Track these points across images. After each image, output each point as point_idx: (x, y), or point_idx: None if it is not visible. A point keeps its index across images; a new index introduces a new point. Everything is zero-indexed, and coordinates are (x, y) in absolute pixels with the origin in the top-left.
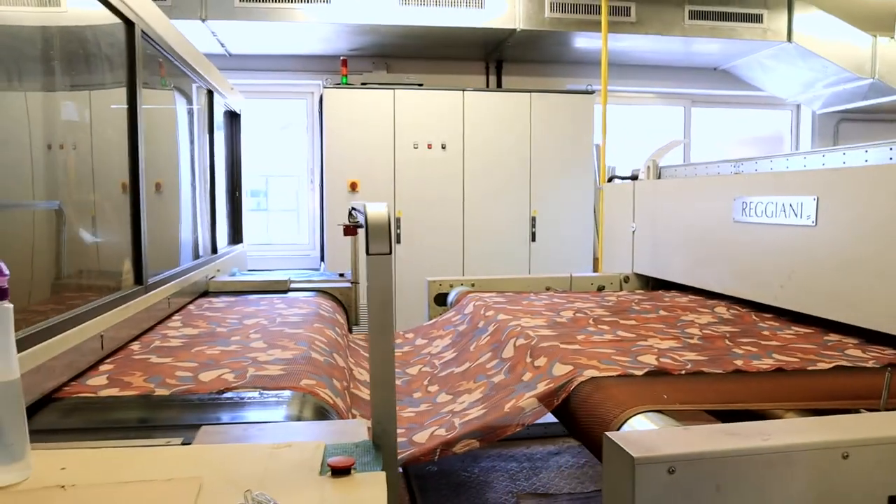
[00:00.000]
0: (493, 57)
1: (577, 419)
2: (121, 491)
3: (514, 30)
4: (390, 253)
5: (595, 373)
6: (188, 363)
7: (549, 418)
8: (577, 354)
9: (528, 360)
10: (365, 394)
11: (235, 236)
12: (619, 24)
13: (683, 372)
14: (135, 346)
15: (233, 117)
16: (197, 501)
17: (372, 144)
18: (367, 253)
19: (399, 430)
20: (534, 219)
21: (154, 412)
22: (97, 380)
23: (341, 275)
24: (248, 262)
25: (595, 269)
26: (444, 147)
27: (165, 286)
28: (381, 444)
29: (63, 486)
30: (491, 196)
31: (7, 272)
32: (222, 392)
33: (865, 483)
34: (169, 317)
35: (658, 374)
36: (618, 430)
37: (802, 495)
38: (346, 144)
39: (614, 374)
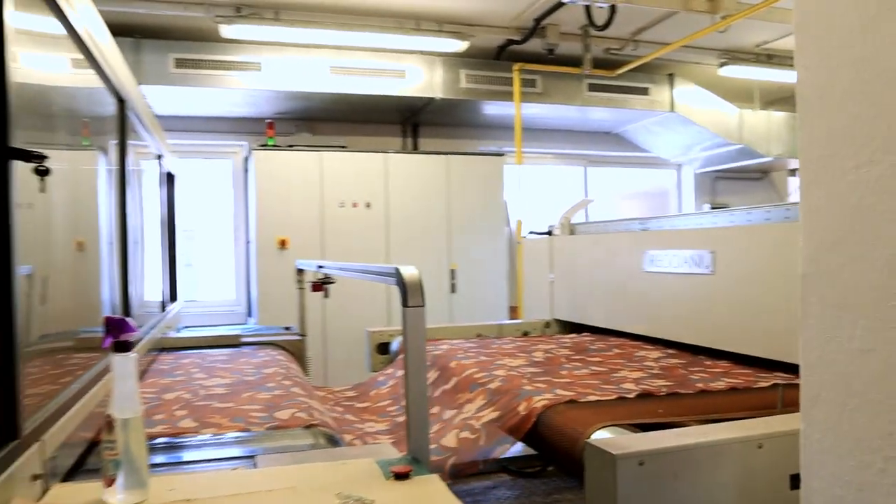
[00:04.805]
0: (410, 121)
1: (548, 436)
2: (236, 500)
3: (433, 98)
4: (424, 305)
5: (594, 397)
6: (253, 406)
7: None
8: (571, 385)
9: (525, 380)
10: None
11: (172, 293)
12: (528, 95)
13: (664, 392)
14: (184, 395)
15: (169, 178)
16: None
17: (300, 203)
18: (406, 306)
19: None
20: (453, 271)
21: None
22: (186, 423)
23: (286, 328)
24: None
25: (510, 317)
26: (368, 206)
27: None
28: (420, 458)
29: (189, 500)
30: (413, 251)
31: (135, 328)
32: (308, 427)
33: (775, 465)
34: (145, 372)
35: (627, 397)
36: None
37: (732, 477)
38: (276, 203)
39: (613, 397)
